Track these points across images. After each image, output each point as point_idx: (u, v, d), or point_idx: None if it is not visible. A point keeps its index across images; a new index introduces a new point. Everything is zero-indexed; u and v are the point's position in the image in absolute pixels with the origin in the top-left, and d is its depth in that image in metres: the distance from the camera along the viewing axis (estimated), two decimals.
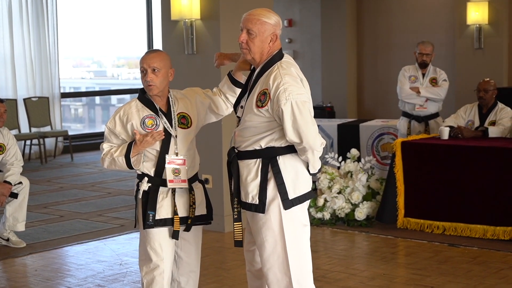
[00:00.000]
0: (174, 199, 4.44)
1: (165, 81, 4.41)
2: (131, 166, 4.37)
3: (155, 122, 4.42)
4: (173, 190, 4.46)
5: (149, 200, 4.41)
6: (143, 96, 4.48)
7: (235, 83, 4.53)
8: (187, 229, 4.51)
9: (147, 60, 4.39)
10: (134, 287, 6.08)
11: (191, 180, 4.51)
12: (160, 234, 4.45)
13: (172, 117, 4.44)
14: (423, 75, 8.80)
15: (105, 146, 4.47)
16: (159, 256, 4.44)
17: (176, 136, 4.43)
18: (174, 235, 4.44)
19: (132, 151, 4.34)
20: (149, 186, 4.43)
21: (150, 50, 4.57)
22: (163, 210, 4.44)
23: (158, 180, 4.44)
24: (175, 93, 4.55)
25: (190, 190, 4.48)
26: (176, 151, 4.44)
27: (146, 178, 4.43)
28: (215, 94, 4.61)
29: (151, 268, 4.45)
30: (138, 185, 4.48)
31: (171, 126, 4.43)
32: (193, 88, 4.65)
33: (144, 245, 4.48)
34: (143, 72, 4.38)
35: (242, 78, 4.52)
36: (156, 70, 4.37)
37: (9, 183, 7.21)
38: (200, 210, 4.56)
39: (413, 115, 8.81)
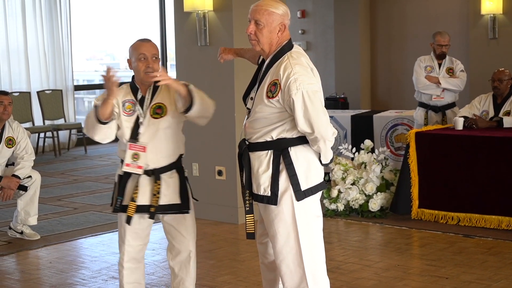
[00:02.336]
0: (137, 186, 4.58)
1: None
2: (98, 116, 4.49)
3: (133, 108, 4.59)
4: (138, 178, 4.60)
5: (120, 185, 4.60)
6: (132, 82, 4.66)
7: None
8: (151, 217, 4.64)
9: (148, 48, 4.53)
10: (148, 279, 6.09)
11: (160, 170, 4.58)
12: (123, 219, 4.65)
13: (144, 105, 4.57)
14: (439, 65, 8.79)
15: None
16: (122, 239, 4.71)
17: (141, 123, 4.56)
18: (127, 220, 4.61)
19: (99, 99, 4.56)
20: (124, 172, 4.59)
21: (144, 39, 4.67)
22: (127, 196, 4.60)
23: None
24: None
25: (156, 179, 4.58)
26: (138, 137, 4.55)
27: (120, 164, 4.62)
28: None
29: (119, 248, 4.76)
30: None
31: (143, 114, 4.56)
32: None
33: (119, 229, 4.77)
34: (143, 59, 4.50)
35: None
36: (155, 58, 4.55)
37: (18, 177, 7.22)
38: (172, 199, 4.62)
39: (430, 106, 8.79)
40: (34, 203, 7.42)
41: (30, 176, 7.35)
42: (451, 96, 8.76)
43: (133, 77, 4.66)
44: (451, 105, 8.79)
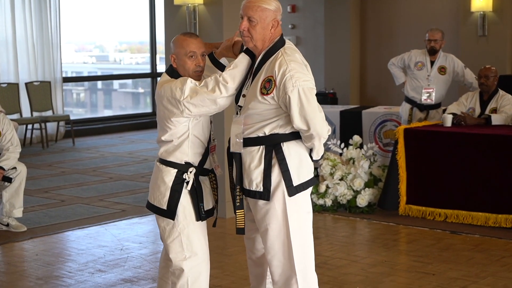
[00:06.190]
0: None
1: None
2: None
3: None
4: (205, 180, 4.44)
5: (198, 191, 4.34)
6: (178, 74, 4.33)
7: (217, 64, 4.39)
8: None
9: (197, 44, 4.28)
10: (135, 272, 6.07)
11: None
12: (204, 226, 4.41)
13: None
14: (432, 62, 8.80)
15: None
16: (204, 248, 4.36)
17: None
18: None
19: None
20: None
21: (191, 33, 4.41)
22: (209, 200, 4.44)
23: (203, 170, 4.39)
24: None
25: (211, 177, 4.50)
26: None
27: (192, 168, 4.31)
28: None
29: (198, 262, 4.33)
30: (177, 176, 4.29)
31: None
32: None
33: (189, 239, 4.31)
34: (192, 56, 4.25)
35: (223, 60, 4.42)
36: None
37: (2, 168, 7.19)
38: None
39: (416, 103, 8.80)
40: (19, 196, 7.39)
41: (15, 168, 7.32)
42: (439, 98, 8.80)
43: (172, 68, 4.33)
44: (437, 106, 8.82)
